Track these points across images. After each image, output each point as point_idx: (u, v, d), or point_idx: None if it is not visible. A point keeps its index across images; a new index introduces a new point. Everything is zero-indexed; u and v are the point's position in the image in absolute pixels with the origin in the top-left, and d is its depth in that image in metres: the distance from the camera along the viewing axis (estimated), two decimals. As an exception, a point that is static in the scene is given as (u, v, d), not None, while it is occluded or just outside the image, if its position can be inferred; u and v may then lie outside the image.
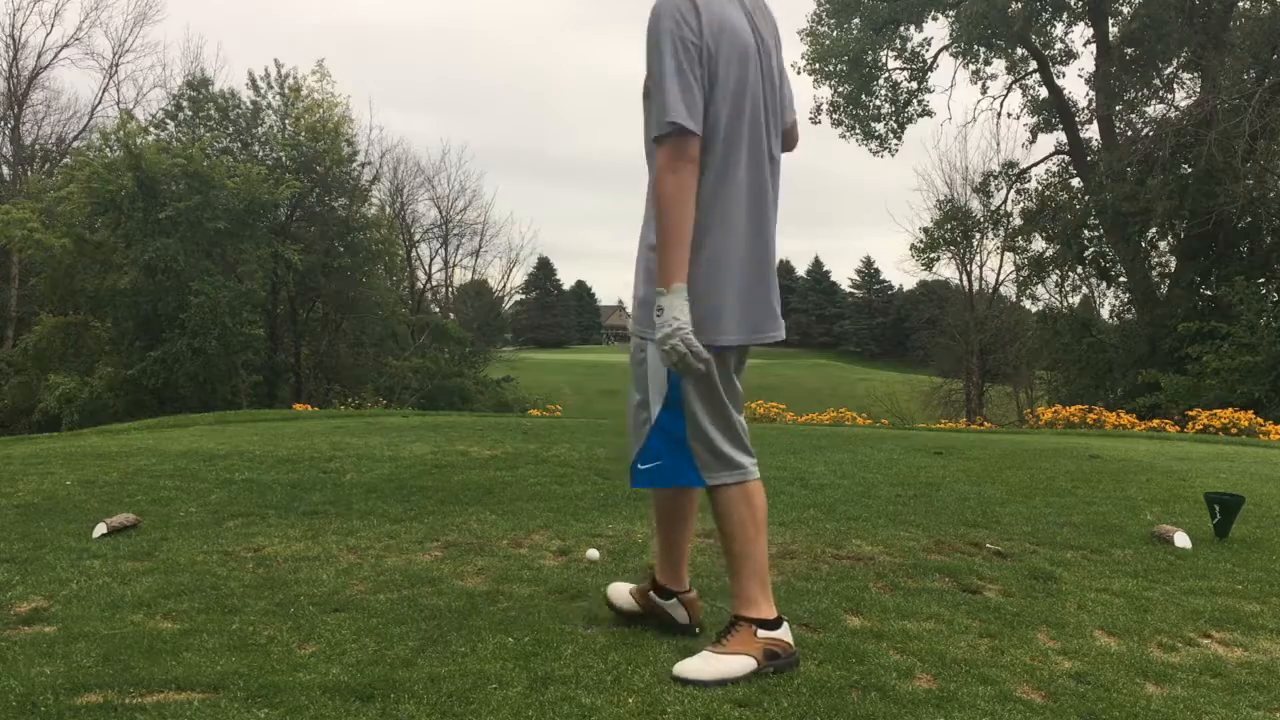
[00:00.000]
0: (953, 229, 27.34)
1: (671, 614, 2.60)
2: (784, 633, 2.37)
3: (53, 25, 53.42)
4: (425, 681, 2.22)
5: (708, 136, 2.30)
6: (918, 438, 8.57)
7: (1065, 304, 24.51)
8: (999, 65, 25.11)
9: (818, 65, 24.41)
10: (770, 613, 2.38)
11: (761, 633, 2.34)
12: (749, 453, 2.45)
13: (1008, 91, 25.77)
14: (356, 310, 24.76)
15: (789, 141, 2.64)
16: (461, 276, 40.87)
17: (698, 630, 2.57)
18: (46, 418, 19.78)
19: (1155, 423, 13.26)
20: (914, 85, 25.44)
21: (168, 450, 6.27)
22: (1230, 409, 13.04)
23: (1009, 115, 29.41)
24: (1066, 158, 24.24)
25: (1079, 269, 23.13)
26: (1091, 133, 23.73)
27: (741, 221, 2.35)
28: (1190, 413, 13.19)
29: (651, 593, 2.63)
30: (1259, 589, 3.32)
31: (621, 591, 2.72)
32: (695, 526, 2.69)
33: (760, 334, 2.41)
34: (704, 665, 2.28)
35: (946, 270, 32.89)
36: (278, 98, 23.96)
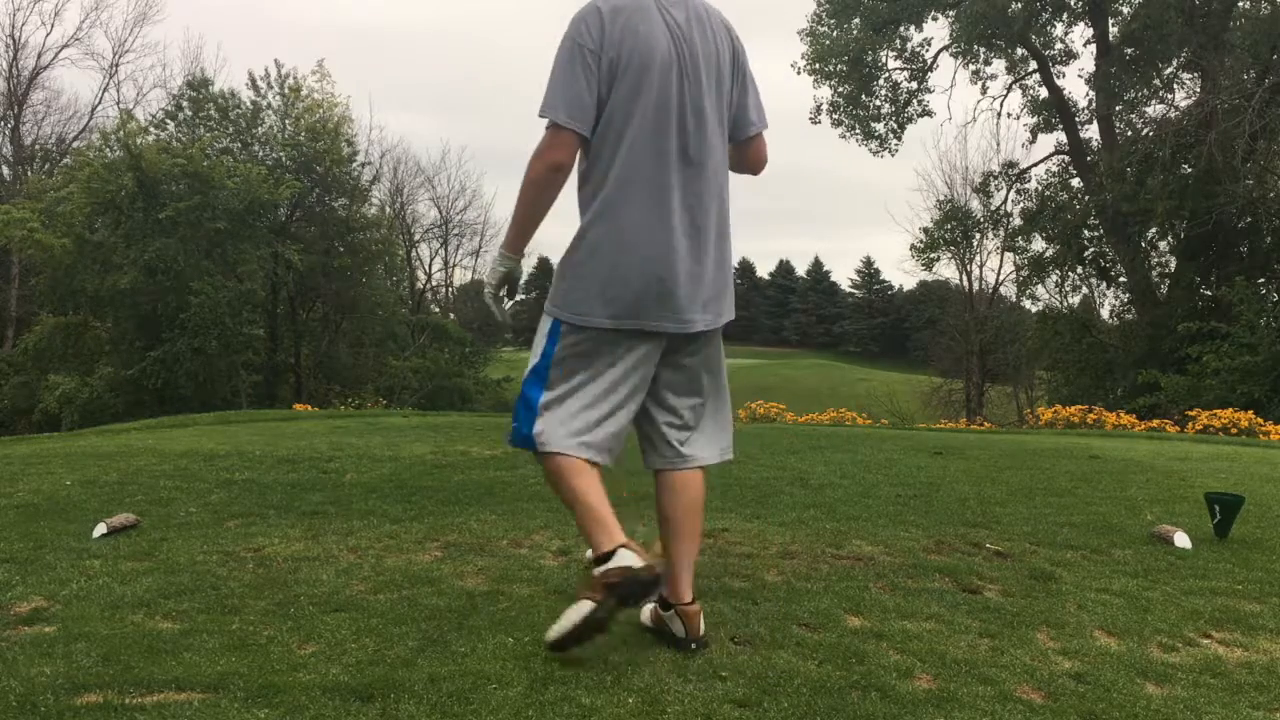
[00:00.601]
0: (953, 229, 27.29)
1: (669, 626, 2.54)
2: (618, 559, 2.31)
3: (53, 25, 53.48)
4: (425, 681, 2.22)
5: (604, 135, 2.42)
6: (918, 438, 8.57)
7: (1065, 304, 24.48)
8: (999, 65, 25.09)
9: (818, 65, 24.36)
10: (606, 545, 2.34)
11: (597, 570, 2.33)
12: (598, 448, 2.48)
13: (1008, 91, 25.74)
14: (357, 310, 24.74)
15: (753, 157, 2.66)
16: (461, 276, 40.85)
17: (694, 645, 2.47)
18: (46, 418, 19.78)
19: (1155, 423, 13.24)
20: (914, 85, 25.41)
21: (168, 450, 6.27)
22: (1230, 409, 13.03)
23: (1009, 115, 29.40)
24: (1066, 158, 24.22)
25: (1079, 269, 23.10)
26: (1091, 133, 23.73)
27: (632, 215, 2.43)
28: (1190, 413, 13.18)
29: (656, 605, 2.60)
30: (1259, 589, 3.32)
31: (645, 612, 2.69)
32: (699, 529, 2.68)
33: (639, 321, 2.45)
34: (554, 627, 2.33)
35: (946, 270, 32.82)
36: (278, 98, 23.98)
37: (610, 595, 2.28)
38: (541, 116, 2.39)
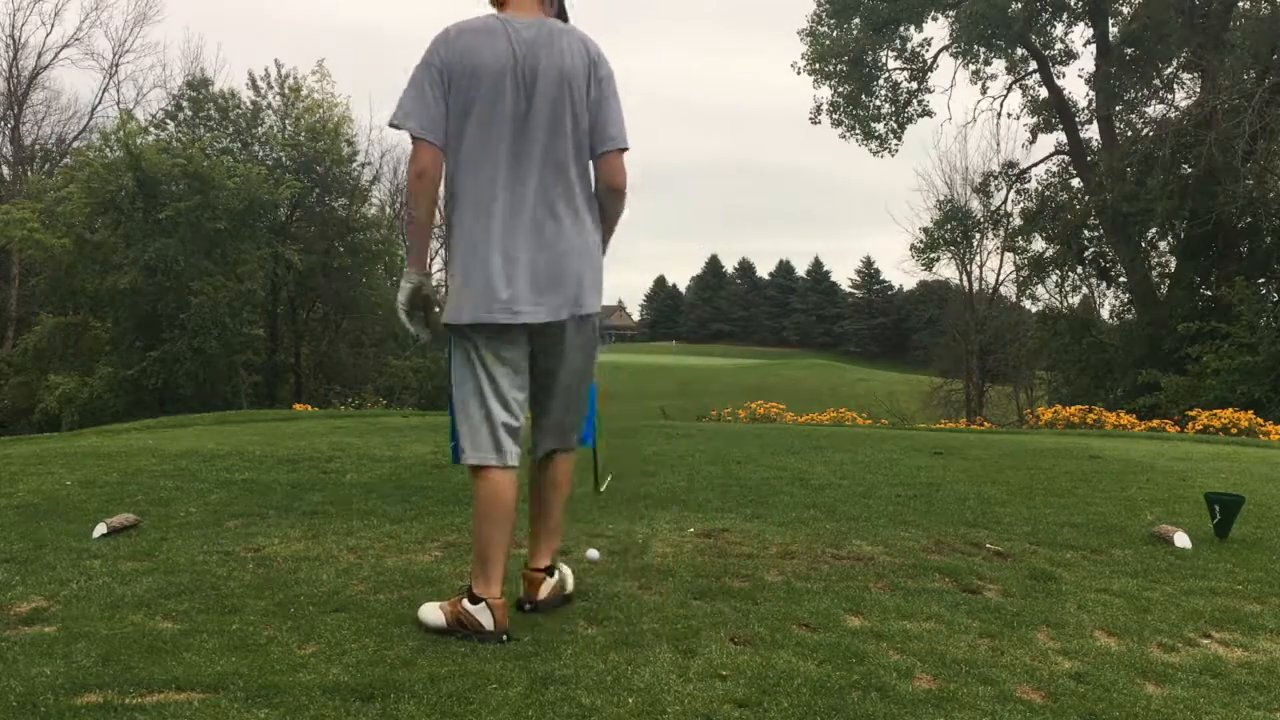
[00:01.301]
0: (953, 229, 27.31)
1: (479, 619, 2.57)
2: (478, 611, 2.54)
3: (53, 25, 53.21)
4: (425, 681, 2.22)
5: (448, 145, 2.61)
6: (918, 438, 8.57)
7: (1065, 304, 24.51)
8: (999, 65, 25.11)
9: (818, 65, 24.37)
10: (479, 590, 2.58)
11: (464, 603, 2.57)
12: (497, 446, 2.62)
13: (1008, 92, 25.76)
14: (357, 310, 24.75)
15: (607, 174, 2.72)
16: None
17: (526, 606, 2.69)
18: (46, 418, 19.76)
19: (1155, 423, 13.24)
20: (914, 85, 25.43)
21: (168, 450, 6.28)
22: (1230, 409, 13.02)
23: (1009, 115, 29.40)
24: (1066, 158, 24.22)
25: (1079, 269, 23.11)
26: (1091, 133, 23.74)
27: (467, 218, 2.61)
28: (1190, 413, 13.17)
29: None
30: (1259, 589, 3.33)
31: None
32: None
33: (484, 317, 2.58)
34: (423, 610, 2.64)
35: (946, 270, 32.87)
36: (278, 98, 23.98)
37: (457, 629, 2.56)
38: (391, 125, 2.57)
